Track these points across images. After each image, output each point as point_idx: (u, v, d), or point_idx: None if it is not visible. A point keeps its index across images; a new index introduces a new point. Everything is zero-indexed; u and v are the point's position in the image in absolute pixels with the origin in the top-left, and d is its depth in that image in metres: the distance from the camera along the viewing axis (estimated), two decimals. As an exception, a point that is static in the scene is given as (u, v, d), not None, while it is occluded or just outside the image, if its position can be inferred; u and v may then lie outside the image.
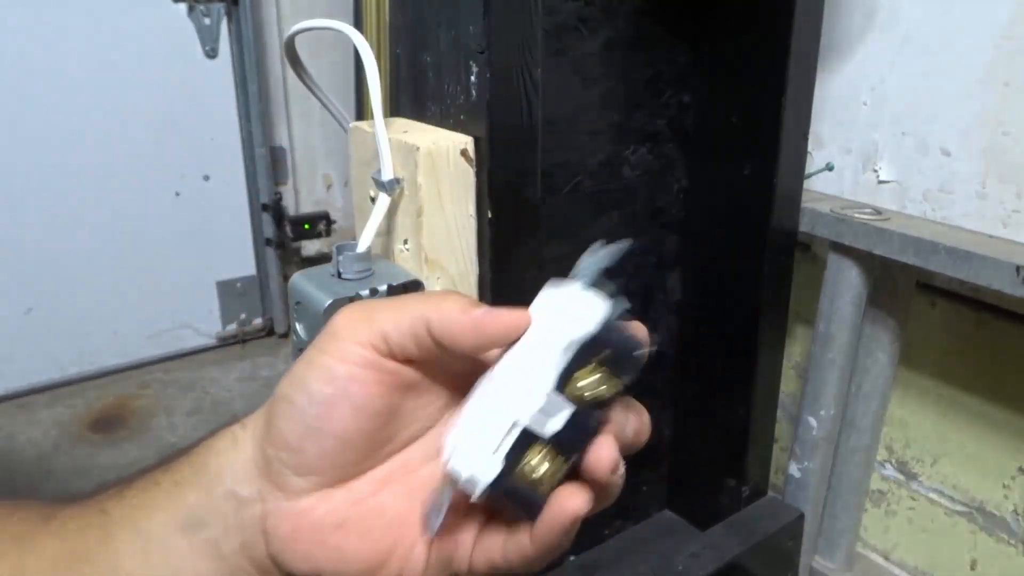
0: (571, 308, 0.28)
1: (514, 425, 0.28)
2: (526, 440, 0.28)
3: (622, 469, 0.29)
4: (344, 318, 0.30)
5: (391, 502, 0.31)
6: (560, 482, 0.28)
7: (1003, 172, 0.74)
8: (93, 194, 1.44)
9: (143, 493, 0.31)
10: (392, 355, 0.30)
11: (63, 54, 1.35)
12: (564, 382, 0.28)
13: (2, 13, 1.29)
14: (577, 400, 0.28)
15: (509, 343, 0.29)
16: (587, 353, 0.28)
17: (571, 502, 0.28)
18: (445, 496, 0.29)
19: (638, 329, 0.29)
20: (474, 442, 0.28)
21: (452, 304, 0.29)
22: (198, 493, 0.30)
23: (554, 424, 0.28)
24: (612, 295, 0.29)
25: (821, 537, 0.93)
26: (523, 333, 0.29)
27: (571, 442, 0.28)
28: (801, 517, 0.86)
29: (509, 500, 0.28)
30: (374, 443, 0.30)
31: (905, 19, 0.79)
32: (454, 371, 0.31)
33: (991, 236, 0.75)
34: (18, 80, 1.33)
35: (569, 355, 0.28)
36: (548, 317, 0.29)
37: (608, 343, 0.28)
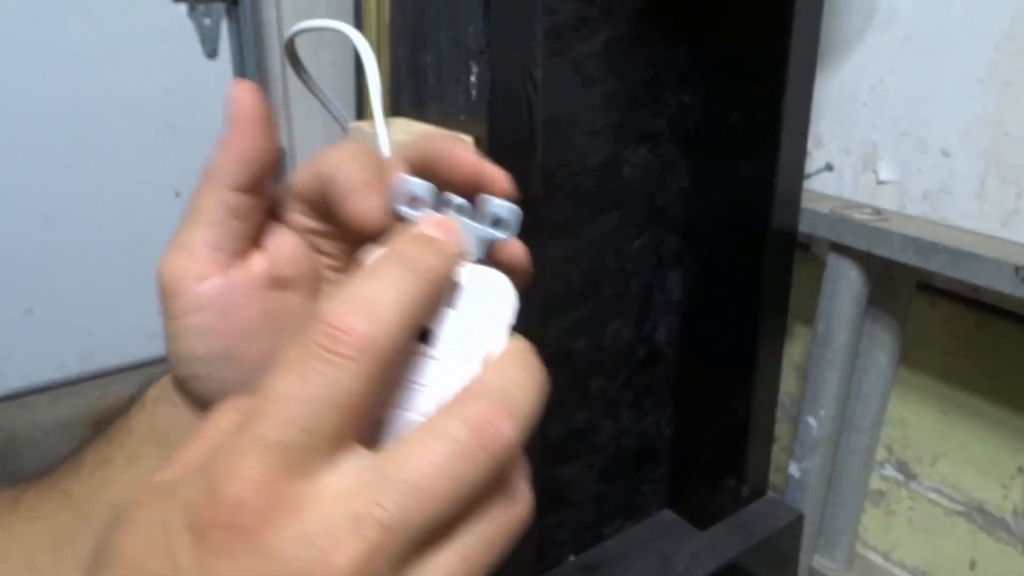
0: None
1: None
2: None
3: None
4: (167, 271, 0.28)
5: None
6: None
7: (1003, 172, 0.74)
8: (93, 194, 1.44)
9: (99, 471, 0.31)
10: (235, 253, 0.28)
11: (63, 54, 1.35)
12: None
13: (2, 14, 1.29)
14: None
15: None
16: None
17: None
18: None
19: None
20: None
21: (220, 166, 0.27)
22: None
23: None
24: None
25: (821, 537, 0.93)
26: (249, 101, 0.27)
27: None
28: (801, 517, 0.86)
29: None
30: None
31: (904, 19, 0.79)
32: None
33: (991, 236, 0.75)
34: (17, 80, 1.33)
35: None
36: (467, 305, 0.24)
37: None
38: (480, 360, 0.23)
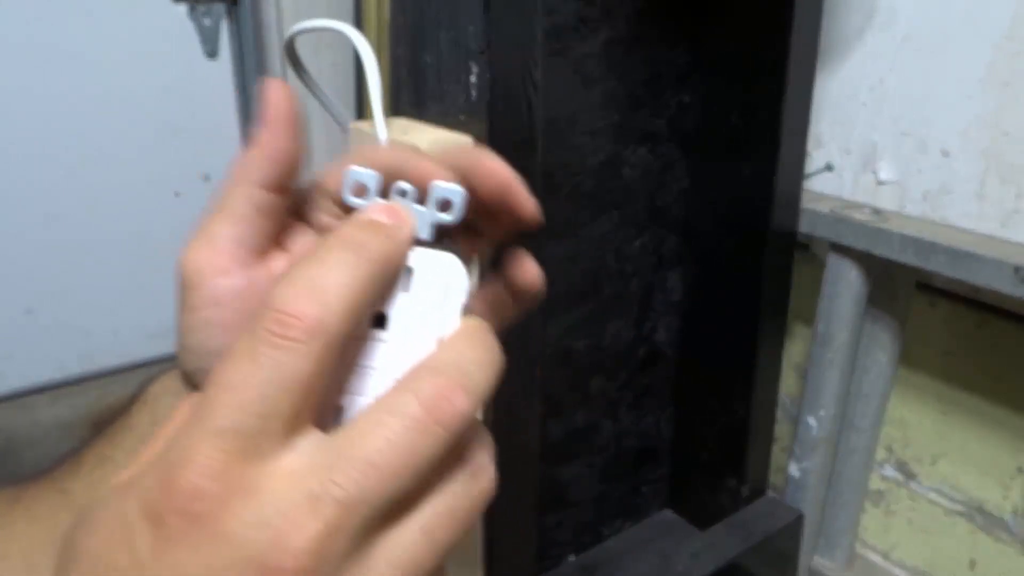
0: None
1: None
2: None
3: None
4: (190, 263, 0.28)
5: None
6: None
7: (1003, 172, 0.74)
8: (93, 194, 1.44)
9: (99, 469, 0.31)
10: (258, 251, 0.28)
11: (63, 54, 1.35)
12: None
13: (2, 14, 1.29)
14: None
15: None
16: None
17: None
18: None
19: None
20: None
21: (250, 163, 0.27)
22: None
23: None
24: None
25: (821, 537, 0.93)
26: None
27: None
28: (800, 517, 0.86)
29: None
30: None
31: (904, 19, 0.79)
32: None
33: (991, 236, 0.75)
34: (17, 80, 1.33)
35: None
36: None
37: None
38: (435, 342, 0.23)
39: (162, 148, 1.49)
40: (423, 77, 0.66)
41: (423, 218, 0.25)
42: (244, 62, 1.52)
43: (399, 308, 0.24)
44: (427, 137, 0.61)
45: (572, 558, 0.82)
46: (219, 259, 0.27)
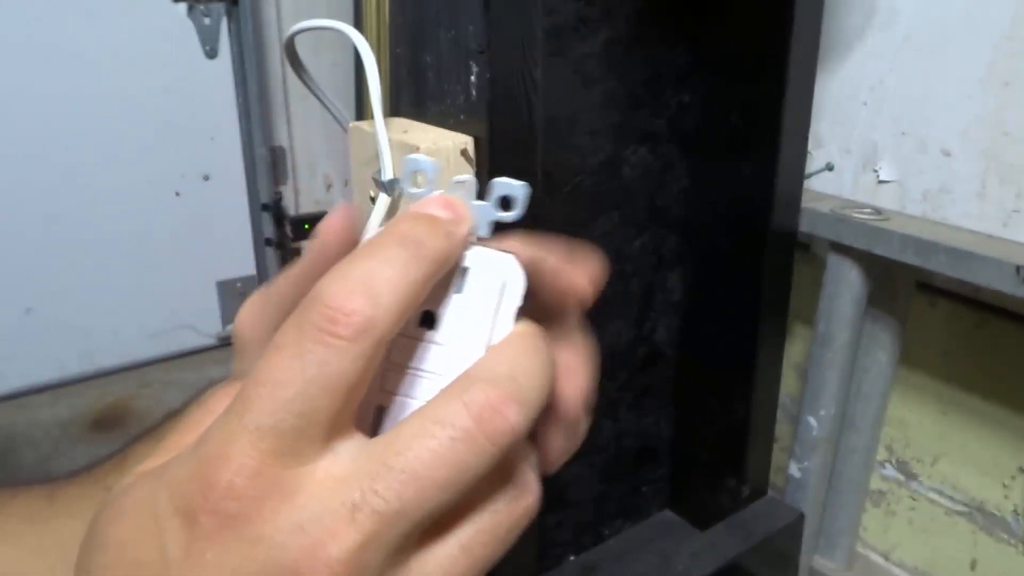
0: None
1: None
2: None
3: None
4: (246, 327, 0.27)
5: None
6: None
7: (1003, 172, 0.74)
8: (93, 194, 1.44)
9: None
10: None
11: (63, 54, 1.35)
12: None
13: (2, 14, 1.29)
14: None
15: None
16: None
17: None
18: None
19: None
20: None
21: (318, 248, 0.25)
22: None
23: None
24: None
25: (821, 537, 0.93)
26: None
27: None
28: (801, 517, 0.86)
29: None
30: None
31: (904, 19, 0.79)
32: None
33: (991, 236, 0.75)
34: (18, 80, 1.33)
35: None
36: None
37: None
38: (485, 346, 0.22)
39: (162, 148, 1.49)
40: (423, 77, 0.66)
41: (482, 214, 0.23)
42: (244, 62, 1.51)
43: (451, 309, 0.22)
44: (427, 136, 0.61)
45: (572, 558, 0.82)
46: (268, 325, 0.27)
